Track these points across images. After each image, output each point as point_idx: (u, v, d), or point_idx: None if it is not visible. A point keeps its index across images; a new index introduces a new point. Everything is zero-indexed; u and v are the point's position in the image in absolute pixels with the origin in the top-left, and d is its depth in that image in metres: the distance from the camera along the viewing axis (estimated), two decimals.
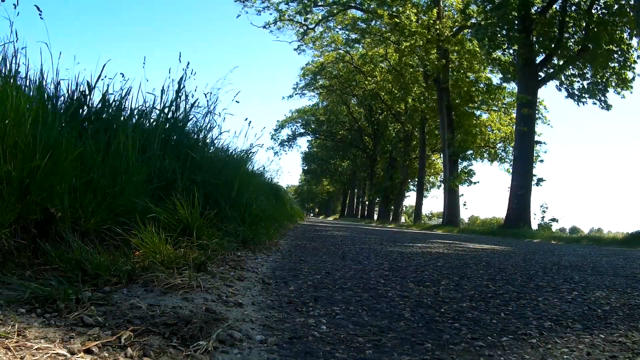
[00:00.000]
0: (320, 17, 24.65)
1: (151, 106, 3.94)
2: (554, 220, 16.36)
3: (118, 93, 3.50)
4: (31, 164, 2.02)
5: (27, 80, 2.81)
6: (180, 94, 4.20)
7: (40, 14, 2.83)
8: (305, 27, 24.98)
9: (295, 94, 35.91)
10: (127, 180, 2.78)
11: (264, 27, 23.76)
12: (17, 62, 2.71)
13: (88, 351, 1.14)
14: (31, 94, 2.62)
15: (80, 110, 3.19)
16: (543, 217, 16.28)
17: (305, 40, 26.32)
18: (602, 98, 16.80)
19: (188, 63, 4.29)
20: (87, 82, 3.21)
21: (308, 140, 48.61)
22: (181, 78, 4.22)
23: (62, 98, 3.12)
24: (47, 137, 2.18)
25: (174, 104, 4.18)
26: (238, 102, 4.77)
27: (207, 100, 4.63)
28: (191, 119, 4.45)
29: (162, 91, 4.05)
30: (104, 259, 1.96)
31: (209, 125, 4.71)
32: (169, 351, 1.22)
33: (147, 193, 3.04)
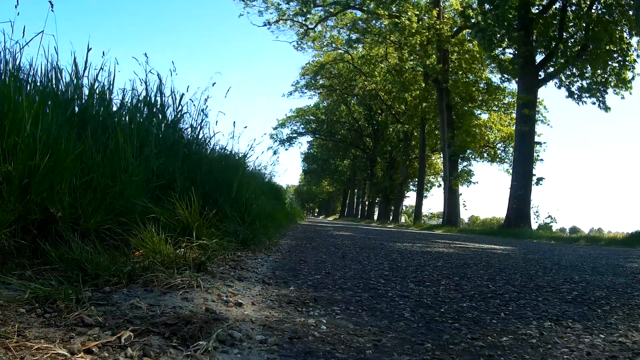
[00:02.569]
0: (320, 17, 24.70)
1: (138, 100, 3.88)
2: (550, 218, 16.43)
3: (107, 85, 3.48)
4: (31, 164, 2.02)
5: (28, 78, 2.81)
6: (162, 90, 4.13)
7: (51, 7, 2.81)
8: (305, 27, 25.03)
9: (295, 92, 36.01)
10: (127, 180, 2.78)
11: (264, 25, 23.84)
12: (17, 61, 2.72)
13: (88, 351, 1.14)
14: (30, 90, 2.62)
15: (76, 108, 3.17)
16: (538, 217, 16.38)
17: (306, 40, 26.38)
18: (602, 98, 16.83)
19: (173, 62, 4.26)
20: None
21: (308, 141, 48.68)
22: (159, 74, 4.12)
23: (60, 93, 3.10)
24: (46, 136, 2.18)
25: (159, 100, 4.12)
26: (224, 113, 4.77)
27: (205, 100, 4.62)
28: (184, 115, 4.42)
29: (146, 85, 3.98)
30: (104, 259, 1.95)
31: (206, 124, 4.70)
32: (169, 351, 1.22)
33: (147, 193, 3.04)
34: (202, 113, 4.59)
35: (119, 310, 1.51)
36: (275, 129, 41.67)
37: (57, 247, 2.05)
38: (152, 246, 2.29)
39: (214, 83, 4.57)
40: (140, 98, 3.87)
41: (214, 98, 5.45)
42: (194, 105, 4.53)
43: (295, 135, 42.49)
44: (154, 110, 4.04)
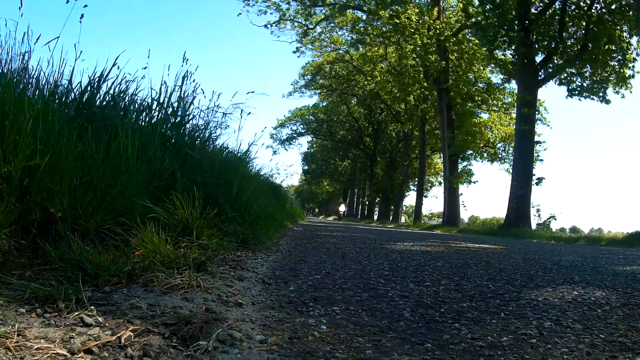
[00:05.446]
0: (320, 18, 24.69)
1: (151, 104, 3.94)
2: (552, 217, 16.43)
3: (123, 90, 3.51)
4: (31, 164, 2.02)
5: (30, 78, 2.81)
6: (183, 93, 4.18)
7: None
8: (305, 27, 25.02)
9: (295, 92, 36.05)
10: (127, 180, 2.78)
11: (265, 26, 23.86)
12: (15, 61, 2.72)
13: (88, 351, 1.14)
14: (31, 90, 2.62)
15: (85, 110, 3.19)
16: (540, 216, 16.38)
17: (305, 42, 26.36)
18: (603, 95, 16.80)
19: (187, 59, 4.26)
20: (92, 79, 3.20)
21: (308, 141, 48.70)
22: (184, 76, 4.20)
23: (70, 96, 3.12)
24: (47, 137, 2.18)
25: (177, 103, 4.17)
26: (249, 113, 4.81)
27: (212, 101, 4.63)
28: (191, 119, 4.44)
29: (160, 90, 4.03)
30: (104, 259, 1.95)
31: (210, 125, 4.70)
32: (169, 351, 1.22)
33: (147, 193, 3.04)
34: (212, 112, 4.62)
35: (119, 310, 1.51)
36: (275, 128, 41.72)
37: (57, 247, 2.05)
38: (152, 246, 2.29)
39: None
40: (157, 100, 3.93)
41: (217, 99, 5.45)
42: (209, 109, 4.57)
43: (295, 135, 42.55)
44: (167, 111, 4.07)
